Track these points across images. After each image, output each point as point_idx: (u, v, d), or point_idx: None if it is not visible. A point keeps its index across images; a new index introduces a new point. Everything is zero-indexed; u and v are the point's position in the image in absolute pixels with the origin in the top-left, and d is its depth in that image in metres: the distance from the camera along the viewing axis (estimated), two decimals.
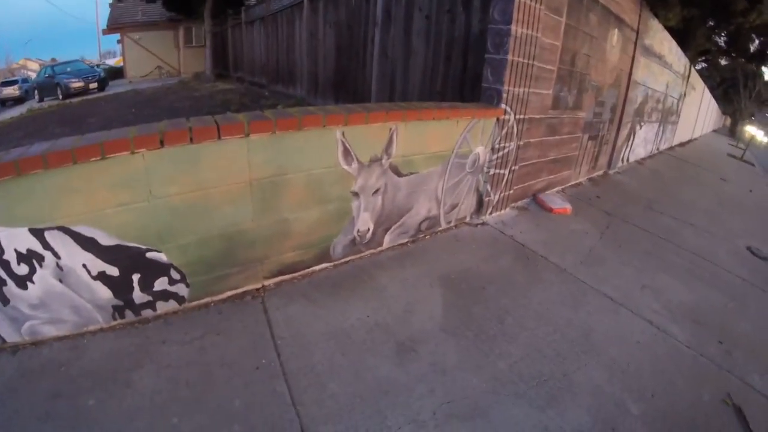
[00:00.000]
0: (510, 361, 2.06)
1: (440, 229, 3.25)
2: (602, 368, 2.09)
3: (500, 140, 3.31)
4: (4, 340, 1.81)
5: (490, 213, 3.58)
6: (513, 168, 3.59)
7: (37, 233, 1.71)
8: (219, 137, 1.94)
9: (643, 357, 2.22)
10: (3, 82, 21.49)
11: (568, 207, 4.03)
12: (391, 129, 2.55)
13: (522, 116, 3.44)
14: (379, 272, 2.70)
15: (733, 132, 35.61)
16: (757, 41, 11.62)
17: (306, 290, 2.45)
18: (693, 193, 6.51)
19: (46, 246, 1.75)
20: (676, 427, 1.83)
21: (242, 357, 1.92)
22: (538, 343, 2.22)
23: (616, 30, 5.01)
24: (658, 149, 9.44)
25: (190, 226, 2.03)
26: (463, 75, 3.90)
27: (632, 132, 6.86)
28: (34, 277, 1.77)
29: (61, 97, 14.59)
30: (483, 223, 3.46)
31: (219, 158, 2.00)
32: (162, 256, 2.01)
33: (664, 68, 7.92)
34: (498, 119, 3.21)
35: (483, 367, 2.01)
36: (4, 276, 1.72)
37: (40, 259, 1.76)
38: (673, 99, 9.67)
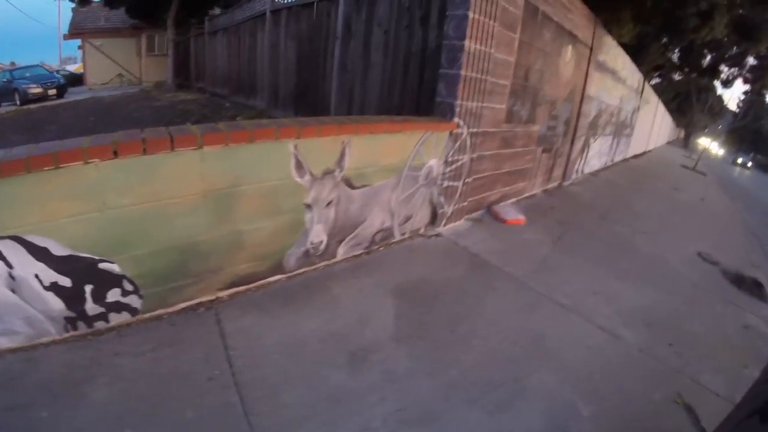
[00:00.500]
0: (462, 368, 2.10)
1: (394, 240, 3.28)
2: (554, 373, 2.14)
3: (453, 153, 3.38)
4: None
5: (445, 225, 3.63)
6: (467, 180, 3.66)
7: None
8: (172, 149, 1.93)
9: (594, 361, 2.29)
10: None
11: (522, 218, 4.14)
12: (343, 142, 2.57)
13: (476, 129, 3.53)
14: (333, 283, 2.71)
15: (686, 144, 37.42)
16: (708, 56, 12.31)
17: (260, 302, 2.44)
18: (646, 203, 6.80)
19: None
20: (627, 428, 1.89)
21: (195, 368, 1.90)
22: (490, 350, 2.26)
23: (570, 46, 5.22)
24: (612, 161, 9.83)
25: (143, 238, 2.01)
26: (420, 88, 3.97)
27: (586, 144, 7.13)
28: None
29: (18, 102, 14.12)
30: (437, 235, 3.52)
31: (173, 170, 1.99)
32: (115, 267, 1.98)
33: (618, 83, 8.28)
34: (451, 133, 3.28)
35: (435, 375, 2.03)
36: None
37: None
38: (627, 112, 10.11)
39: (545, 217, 4.59)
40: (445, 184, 3.45)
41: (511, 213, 4.18)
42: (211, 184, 2.13)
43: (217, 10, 13.20)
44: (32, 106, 12.97)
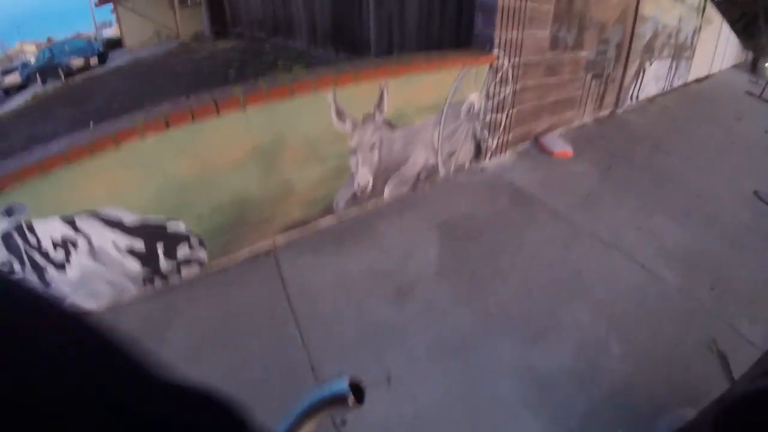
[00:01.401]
0: (500, 300, 2.18)
1: (440, 176, 3.30)
2: (589, 309, 2.17)
3: (495, 86, 3.29)
4: None
5: (489, 158, 3.61)
6: (510, 112, 3.57)
7: (69, 220, 1.90)
8: (218, 113, 2.07)
9: (631, 299, 2.27)
10: (2, 71, 21.30)
11: (569, 149, 4.02)
12: (381, 86, 2.61)
13: (517, 60, 3.40)
14: (380, 222, 2.82)
15: (754, 68, 34.00)
16: None
17: (313, 244, 2.61)
18: (703, 133, 6.35)
19: (78, 231, 1.93)
20: (656, 369, 1.88)
21: (259, 307, 2.12)
22: (528, 283, 2.32)
23: None
24: (671, 86, 9.15)
25: (202, 196, 2.20)
26: (459, 18, 3.82)
27: (641, 69, 6.66)
28: (71, 259, 1.97)
29: (63, 77, 14.55)
30: (482, 169, 3.51)
31: (221, 132, 2.13)
32: (181, 225, 2.19)
33: (676, 1, 7.56)
34: (491, 65, 3.18)
35: (474, 307, 2.13)
36: (44, 263, 1.92)
37: (74, 243, 1.95)
38: (687, 33, 9.26)
39: (594, 148, 4.42)
40: (488, 117, 3.39)
41: (558, 145, 4.06)
42: (258, 140, 2.27)
43: None
44: (76, 78, 13.24)
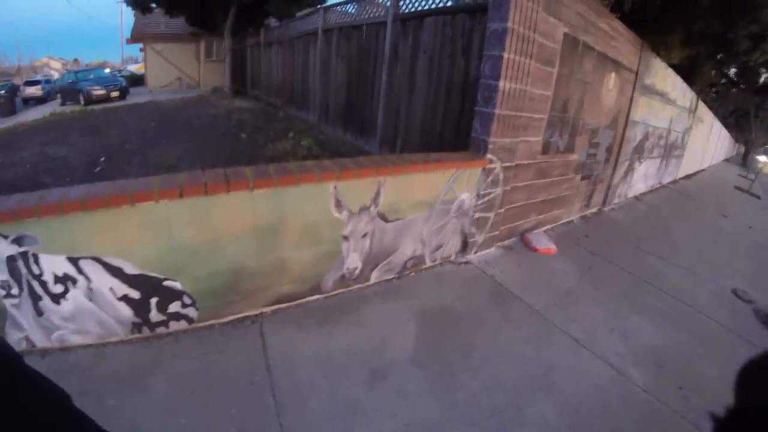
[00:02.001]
0: (469, 392, 2.26)
1: (425, 266, 3.46)
2: (555, 405, 2.25)
3: (486, 187, 3.53)
4: (34, 345, 2.13)
5: (475, 252, 3.78)
6: (499, 211, 3.80)
7: (73, 261, 2.05)
8: (228, 191, 2.26)
9: (597, 398, 2.35)
10: (26, 82, 22.36)
11: (553, 247, 4.21)
12: (379, 182, 2.82)
13: (509, 164, 3.66)
14: (364, 305, 2.94)
15: (745, 161, 35.17)
16: (764, 75, 11.70)
17: (299, 318, 2.72)
18: (688, 231, 6.61)
19: (80, 271, 2.09)
20: None
21: (240, 372, 2.22)
22: (498, 377, 2.40)
23: (613, 73, 5.22)
24: (660, 183, 9.56)
25: (202, 262, 2.36)
26: (461, 117, 4.15)
27: (630, 169, 7.03)
28: (68, 296, 2.11)
29: (83, 102, 15.13)
30: (467, 262, 3.67)
31: (228, 208, 2.32)
32: (177, 285, 2.34)
33: (667, 104, 8.08)
34: (484, 168, 3.43)
35: (443, 397, 2.22)
36: (42, 293, 2.06)
37: (74, 281, 2.09)
38: (678, 133, 9.80)
39: (578, 245, 4.63)
40: (477, 215, 3.60)
41: (543, 242, 4.26)
42: (260, 220, 2.44)
43: (272, 21, 13.69)
44: (95, 107, 13.68)
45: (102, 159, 7.07)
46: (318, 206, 2.63)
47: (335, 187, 2.63)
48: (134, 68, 31.06)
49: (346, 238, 2.85)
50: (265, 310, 2.69)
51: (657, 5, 7.21)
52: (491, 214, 3.73)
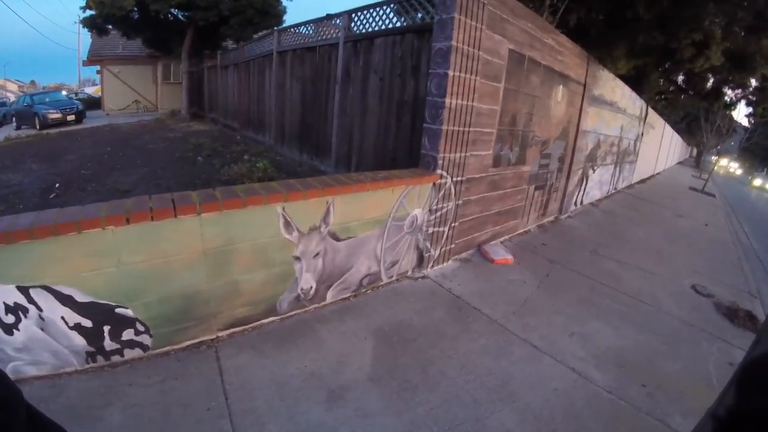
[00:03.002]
0: (428, 407, 2.26)
1: (382, 283, 3.46)
2: (516, 414, 2.26)
3: (438, 202, 3.58)
4: None
5: (432, 266, 3.81)
6: (453, 225, 3.85)
7: (24, 290, 1.99)
8: (176, 216, 2.24)
9: (559, 402, 2.38)
10: None
11: (509, 257, 4.29)
12: (328, 202, 2.83)
13: (460, 178, 3.73)
14: (321, 325, 2.91)
15: (698, 163, 36.86)
16: (711, 80, 12.31)
17: (254, 342, 2.68)
18: (645, 233, 6.85)
19: (31, 301, 2.02)
20: None
21: (196, 398, 2.16)
22: (457, 390, 2.40)
23: (561, 86, 5.42)
24: (615, 189, 9.92)
25: (153, 288, 2.32)
26: (412, 133, 4.21)
27: (584, 177, 7.27)
28: (20, 326, 2.03)
29: (38, 127, 14.71)
30: (424, 277, 3.69)
31: (176, 233, 2.29)
32: (129, 312, 2.28)
33: (617, 113, 8.44)
34: (434, 184, 3.48)
35: (402, 413, 2.20)
36: None
37: (25, 311, 2.02)
38: (630, 140, 10.23)
39: (535, 254, 4.73)
40: (431, 230, 3.64)
41: (500, 252, 4.33)
42: (210, 244, 2.42)
43: (230, 43, 13.69)
44: (51, 131, 13.46)
45: (57, 185, 6.84)
46: (267, 228, 2.62)
47: (283, 209, 2.63)
48: (92, 91, 30.36)
49: (298, 258, 2.84)
50: (220, 334, 2.65)
51: (600, 21, 7.56)
52: (445, 228, 3.78)
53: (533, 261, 4.51)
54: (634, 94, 9.54)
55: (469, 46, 3.40)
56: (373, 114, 4.90)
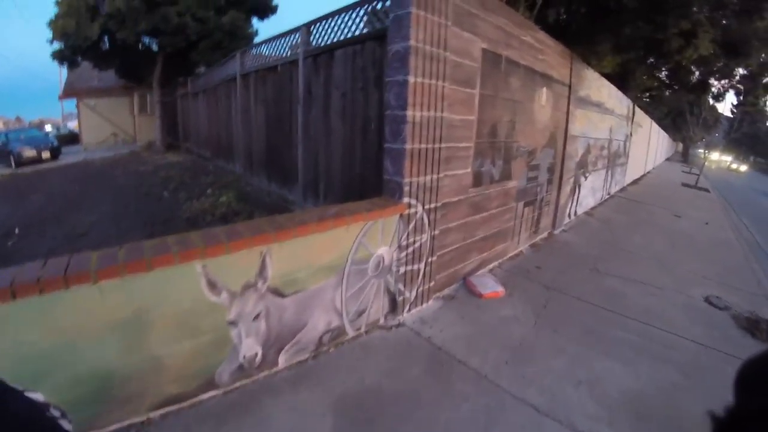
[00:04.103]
0: None
1: (347, 338, 2.88)
2: None
3: (408, 236, 3.02)
4: None
5: (408, 310, 3.23)
6: (430, 259, 3.29)
7: None
8: (67, 287, 1.81)
9: None
10: None
11: (500, 289, 3.72)
12: (262, 252, 2.29)
13: (434, 204, 3.18)
14: (270, 398, 2.37)
15: (685, 157, 36.95)
16: (696, 72, 11.91)
17: (191, 421, 2.18)
18: (644, 239, 6.35)
19: None
20: None
21: None
22: None
23: (545, 88, 4.92)
24: (608, 194, 9.45)
25: (59, 369, 1.90)
26: (377, 156, 3.66)
27: (576, 185, 6.76)
28: None
29: (13, 165, 14.33)
30: (399, 325, 3.11)
31: (72, 305, 1.87)
32: (39, 396, 1.75)
33: (606, 114, 7.99)
34: (401, 215, 2.93)
35: None
36: None
37: None
38: (620, 141, 9.79)
39: (529, 281, 4.16)
40: (402, 270, 3.07)
41: (489, 284, 3.76)
42: (115, 315, 1.97)
43: (202, 69, 13.27)
44: (26, 169, 13.20)
45: (16, 231, 6.55)
46: (187, 290, 2.11)
47: (204, 266, 2.10)
48: (74, 125, 29.83)
49: (233, 323, 2.29)
50: (152, 415, 2.17)
51: (582, 14, 7.13)
52: (421, 265, 3.21)
53: (527, 290, 3.94)
54: (620, 93, 9.14)
55: (432, 46, 2.88)
56: (338, 134, 4.37)
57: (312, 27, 4.96)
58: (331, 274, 2.64)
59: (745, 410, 0.63)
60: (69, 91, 20.30)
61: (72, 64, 14.30)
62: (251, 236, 2.19)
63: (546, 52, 4.80)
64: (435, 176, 3.12)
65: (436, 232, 3.27)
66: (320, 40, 4.77)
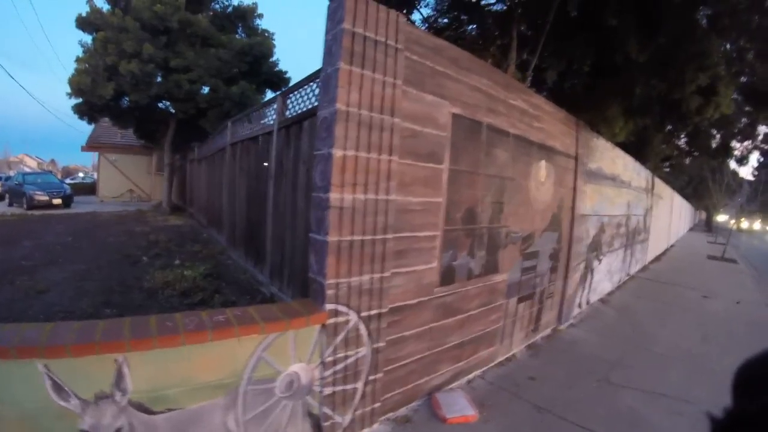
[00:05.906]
0: None
1: None
2: None
3: (335, 350, 2.33)
4: None
5: None
6: (373, 377, 2.56)
7: None
8: None
9: None
10: None
11: (471, 413, 2.90)
12: (117, 361, 1.76)
13: (377, 311, 2.51)
14: None
15: (709, 226, 35.44)
16: (717, 136, 11.11)
17: None
18: (669, 332, 5.40)
19: None
20: None
21: None
22: None
23: (543, 162, 4.32)
24: (628, 275, 8.55)
25: None
26: None
27: (588, 270, 5.97)
28: None
29: (25, 207, 14.83)
30: None
31: None
32: None
33: (621, 188, 7.32)
34: (324, 325, 2.26)
35: None
36: None
37: None
38: (639, 216, 9.01)
39: (517, 398, 3.31)
40: (328, 390, 2.35)
41: (457, 404, 2.96)
42: None
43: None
44: (36, 212, 13.65)
45: None
46: (33, 390, 1.69)
47: (46, 366, 1.68)
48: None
49: None
50: None
51: (586, 73, 6.64)
52: (358, 384, 2.49)
53: (511, 412, 3.09)
54: (638, 164, 8.47)
55: (372, 111, 2.35)
56: (303, 213, 3.84)
57: (289, 96, 4.63)
58: (219, 392, 1.99)
59: (744, 412, 0.62)
60: (92, 144, 21.12)
61: (91, 119, 14.83)
62: (102, 341, 1.73)
63: (544, 119, 4.24)
64: (377, 276, 2.46)
65: (382, 343, 2.56)
66: (294, 109, 4.42)
